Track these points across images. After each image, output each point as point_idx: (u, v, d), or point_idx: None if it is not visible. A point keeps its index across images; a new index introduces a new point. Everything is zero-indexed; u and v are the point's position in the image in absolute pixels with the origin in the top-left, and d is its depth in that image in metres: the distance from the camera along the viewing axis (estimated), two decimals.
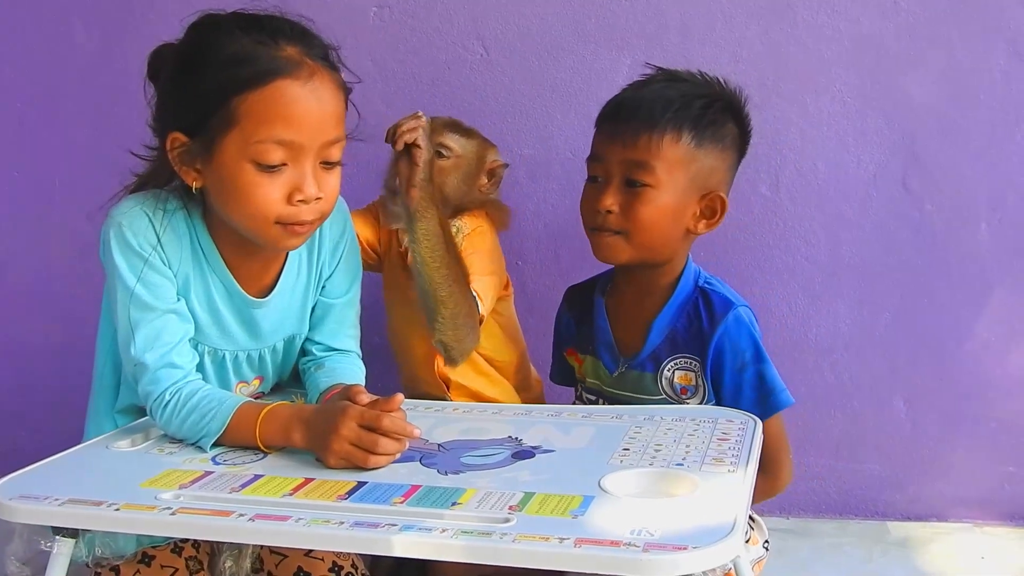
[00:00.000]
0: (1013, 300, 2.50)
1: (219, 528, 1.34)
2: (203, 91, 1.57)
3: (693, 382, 1.93)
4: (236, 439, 1.60)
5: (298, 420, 1.57)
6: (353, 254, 1.90)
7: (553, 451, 1.59)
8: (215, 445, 1.60)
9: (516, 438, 1.67)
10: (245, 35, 1.57)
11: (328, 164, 1.62)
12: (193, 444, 1.62)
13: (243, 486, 1.44)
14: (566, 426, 1.74)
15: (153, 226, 1.66)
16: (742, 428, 1.67)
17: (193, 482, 1.46)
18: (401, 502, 1.36)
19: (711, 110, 1.89)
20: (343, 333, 1.89)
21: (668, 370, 1.94)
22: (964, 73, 2.43)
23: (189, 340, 1.71)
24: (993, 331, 2.52)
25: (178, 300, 1.69)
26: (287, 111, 1.55)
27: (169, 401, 1.63)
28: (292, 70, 1.55)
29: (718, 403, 1.92)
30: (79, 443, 1.70)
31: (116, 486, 1.45)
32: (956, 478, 2.59)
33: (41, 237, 2.67)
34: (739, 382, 1.91)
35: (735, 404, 1.89)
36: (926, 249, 2.50)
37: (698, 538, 1.20)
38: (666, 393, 1.93)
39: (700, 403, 1.92)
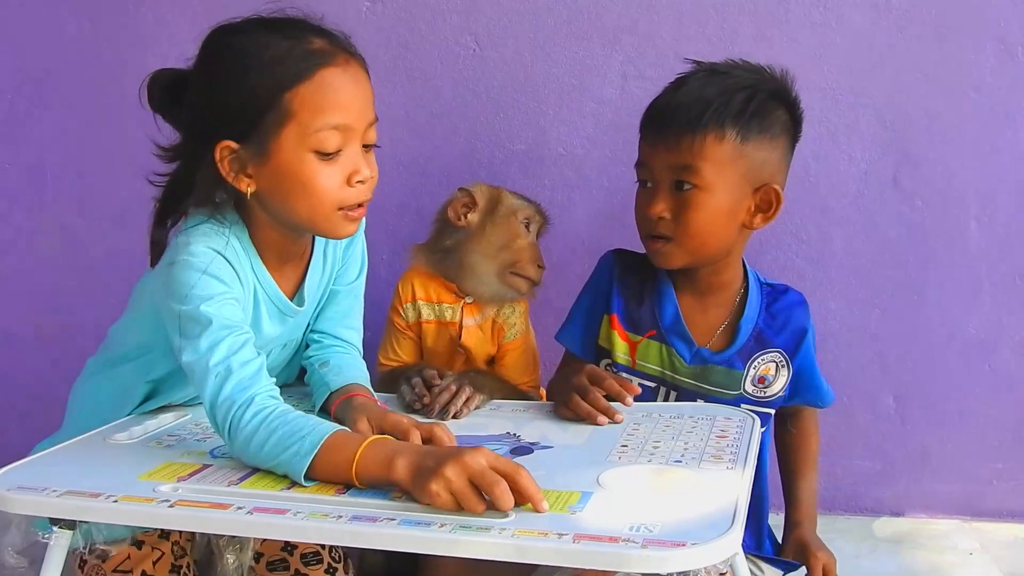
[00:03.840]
0: (1002, 297, 2.52)
1: (217, 521, 1.34)
2: (250, 94, 1.57)
3: (772, 372, 1.95)
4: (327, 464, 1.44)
5: (409, 450, 1.41)
6: (360, 249, 1.91)
7: (551, 447, 1.60)
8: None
9: (515, 434, 1.67)
10: (272, 35, 1.59)
11: (368, 147, 1.66)
12: (271, 467, 1.48)
13: (241, 479, 1.44)
14: (564, 422, 1.74)
15: (228, 261, 1.64)
16: (740, 426, 1.68)
17: (191, 475, 1.46)
18: (400, 497, 1.35)
19: (754, 102, 1.86)
20: (345, 324, 1.89)
21: (755, 367, 1.94)
22: (955, 71, 2.44)
23: None
24: (982, 328, 2.54)
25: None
26: (337, 97, 1.58)
27: (261, 408, 1.51)
28: (330, 59, 1.58)
29: (799, 390, 1.98)
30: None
31: (114, 478, 1.44)
32: (945, 474, 2.61)
33: (32, 228, 2.67)
34: (815, 369, 2.00)
35: (817, 387, 2.01)
36: (916, 246, 2.51)
37: (697, 534, 1.21)
38: (745, 388, 1.94)
39: (778, 392, 1.95)
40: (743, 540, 1.94)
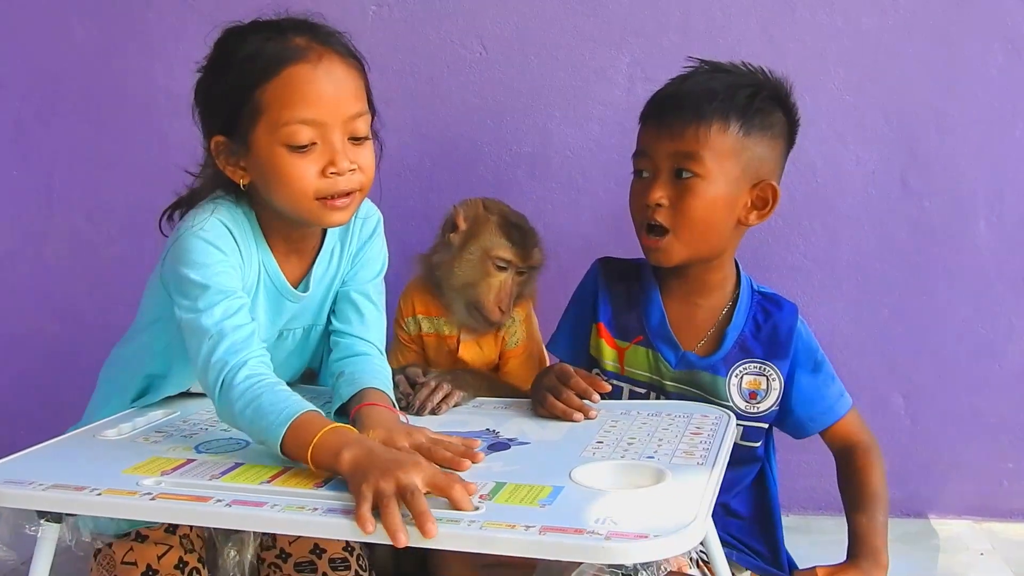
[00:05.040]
0: (1011, 297, 2.50)
1: (197, 513, 1.37)
2: (228, 91, 1.66)
3: (763, 386, 1.94)
4: (293, 443, 1.48)
5: (358, 445, 1.44)
6: (377, 249, 1.93)
7: (528, 443, 1.62)
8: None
9: (493, 430, 1.70)
10: (257, 35, 1.66)
11: (356, 139, 1.68)
12: (252, 432, 1.55)
13: (223, 473, 1.47)
14: (543, 419, 1.76)
15: (232, 235, 1.71)
16: (716, 423, 1.69)
17: (175, 469, 1.49)
18: None
19: (757, 99, 1.88)
20: (364, 323, 1.90)
21: (736, 375, 1.94)
22: (962, 71, 2.43)
23: None
24: (991, 328, 2.52)
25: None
26: (304, 92, 1.62)
27: (253, 373, 1.57)
28: (301, 55, 1.63)
29: (790, 404, 1.96)
30: None
31: (100, 472, 1.48)
32: (955, 475, 2.60)
33: (39, 235, 2.70)
34: (817, 382, 1.97)
35: (813, 403, 1.97)
36: (924, 246, 2.51)
37: (660, 527, 1.23)
38: (733, 399, 1.94)
39: (770, 407, 1.95)
40: (757, 549, 1.95)
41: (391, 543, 1.26)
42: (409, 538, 1.26)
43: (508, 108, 2.54)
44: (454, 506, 1.31)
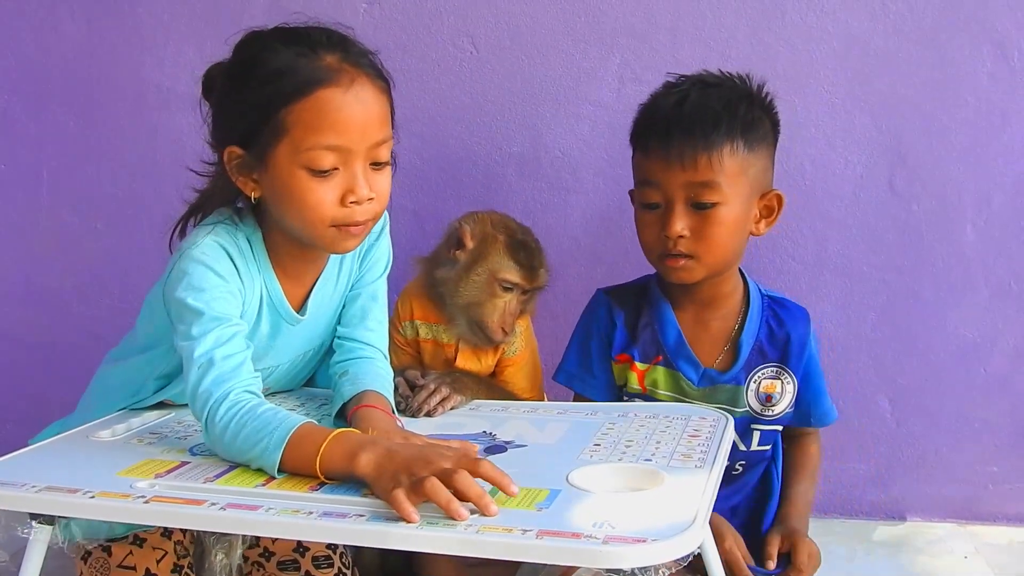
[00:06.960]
0: (998, 301, 2.51)
1: (191, 516, 1.36)
2: (252, 105, 1.61)
3: (778, 390, 1.96)
4: (296, 457, 1.47)
5: (374, 446, 1.43)
6: (383, 249, 1.92)
7: (525, 446, 1.62)
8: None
9: (490, 433, 1.70)
10: (286, 48, 1.61)
11: (377, 165, 1.66)
12: (245, 462, 1.52)
13: (217, 476, 1.46)
14: (541, 422, 1.76)
15: (231, 259, 1.69)
16: (713, 426, 1.69)
17: (169, 471, 1.48)
18: (370, 494, 1.37)
19: (753, 111, 1.89)
20: (365, 325, 1.90)
21: (755, 381, 1.95)
22: (951, 75, 2.43)
23: None
24: (978, 331, 2.53)
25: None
26: (333, 118, 1.59)
27: (234, 404, 1.55)
28: (333, 78, 1.59)
29: (803, 406, 2.00)
30: None
31: (93, 474, 1.47)
32: (940, 478, 2.60)
33: (27, 229, 2.68)
34: (820, 385, 2.02)
35: (819, 405, 2.02)
36: (912, 250, 2.51)
37: (658, 531, 1.23)
38: (750, 404, 1.95)
39: (784, 409, 1.97)
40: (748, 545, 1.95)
41: (388, 546, 1.26)
42: (467, 512, 1.28)
43: (498, 107, 2.53)
44: (491, 483, 1.34)
